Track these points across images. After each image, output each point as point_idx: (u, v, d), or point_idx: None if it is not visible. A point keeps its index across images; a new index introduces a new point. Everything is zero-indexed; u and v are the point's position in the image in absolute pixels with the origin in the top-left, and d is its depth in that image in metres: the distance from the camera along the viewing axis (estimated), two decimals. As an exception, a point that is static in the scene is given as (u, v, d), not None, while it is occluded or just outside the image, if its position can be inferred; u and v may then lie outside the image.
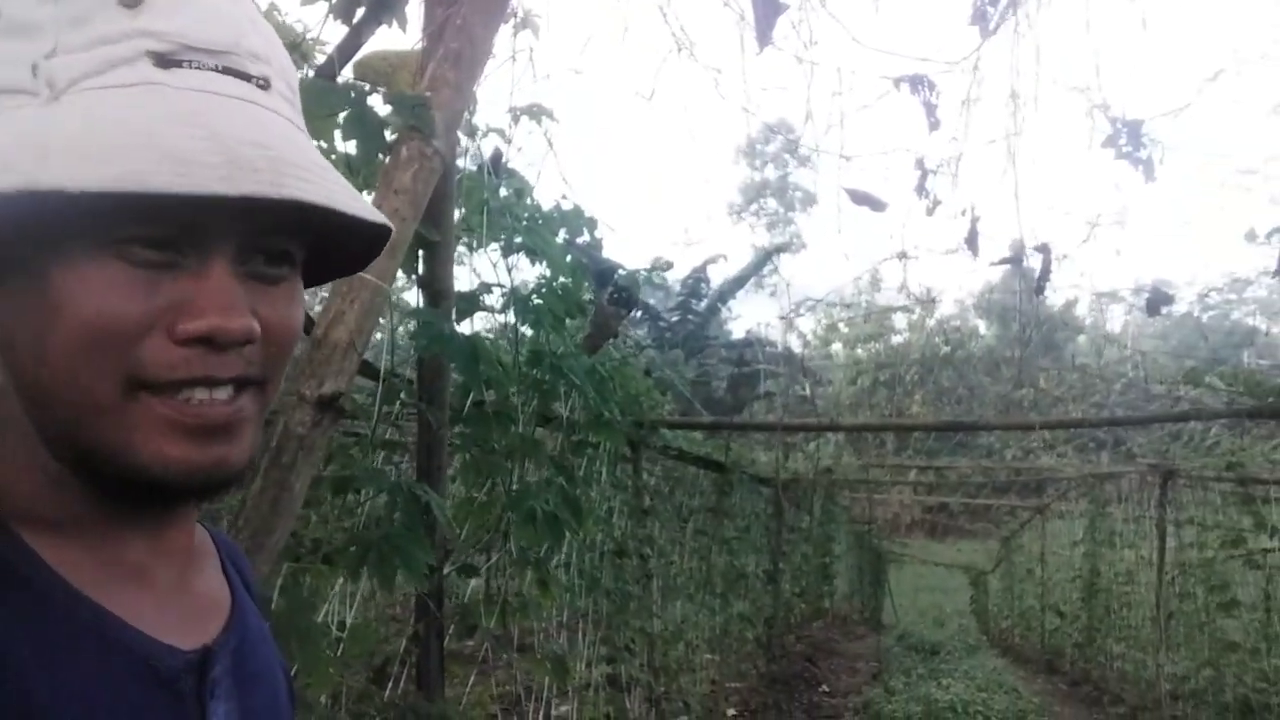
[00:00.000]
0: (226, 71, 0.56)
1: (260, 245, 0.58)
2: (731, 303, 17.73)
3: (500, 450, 2.48)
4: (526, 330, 2.64)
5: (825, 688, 8.20)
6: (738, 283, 17.00)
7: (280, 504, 1.50)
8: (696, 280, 16.53)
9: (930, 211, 3.37)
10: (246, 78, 0.57)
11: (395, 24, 2.06)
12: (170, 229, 0.54)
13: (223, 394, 0.56)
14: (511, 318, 2.60)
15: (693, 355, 15.08)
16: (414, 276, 2.21)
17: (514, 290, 2.58)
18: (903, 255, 3.97)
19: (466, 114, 2.45)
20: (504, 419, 2.44)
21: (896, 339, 26.62)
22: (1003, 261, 3.85)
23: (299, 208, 0.53)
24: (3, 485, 0.58)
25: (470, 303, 2.48)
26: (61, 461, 0.57)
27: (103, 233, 0.52)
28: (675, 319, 16.23)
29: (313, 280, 0.73)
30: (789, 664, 8.52)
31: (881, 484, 12.88)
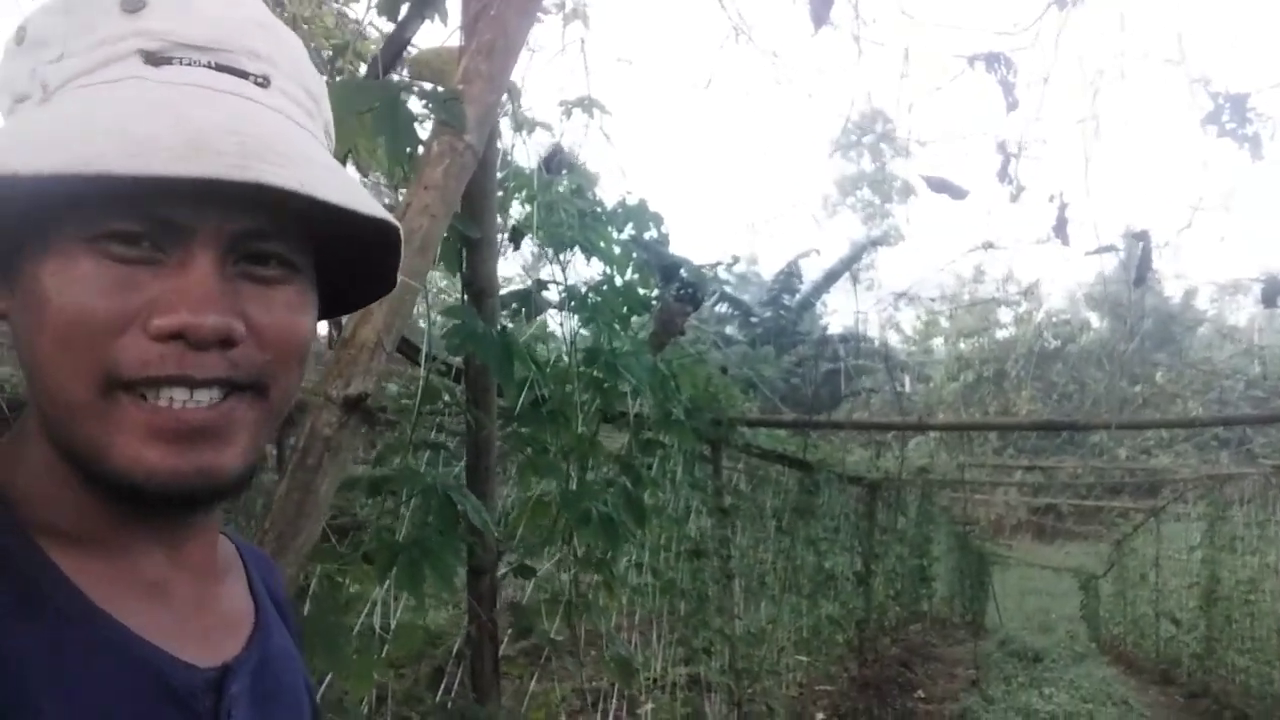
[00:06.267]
0: (220, 68, 0.56)
1: (249, 245, 0.56)
2: (826, 297, 17.42)
3: (556, 450, 2.44)
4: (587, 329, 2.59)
5: (921, 693, 7.94)
6: (831, 277, 16.69)
7: (305, 506, 1.48)
8: (788, 275, 16.32)
9: (1014, 198, 3.19)
10: (243, 74, 0.57)
11: (437, 18, 2.03)
12: (144, 224, 0.53)
13: (204, 396, 0.54)
14: (568, 315, 2.56)
15: (784, 352, 14.86)
16: (459, 275, 2.18)
17: (570, 288, 2.53)
18: (989, 245, 3.78)
19: (519, 108, 2.41)
20: (560, 418, 2.40)
21: (1001, 333, 25.71)
22: (1097, 250, 3.63)
23: (287, 205, 0.52)
24: (27, 495, 0.58)
25: (524, 301, 2.45)
26: (68, 466, 0.57)
27: (81, 228, 0.52)
28: (766, 315, 16.04)
29: (344, 303, 0.71)
30: (882, 668, 8.28)
31: (982, 484, 12.43)
